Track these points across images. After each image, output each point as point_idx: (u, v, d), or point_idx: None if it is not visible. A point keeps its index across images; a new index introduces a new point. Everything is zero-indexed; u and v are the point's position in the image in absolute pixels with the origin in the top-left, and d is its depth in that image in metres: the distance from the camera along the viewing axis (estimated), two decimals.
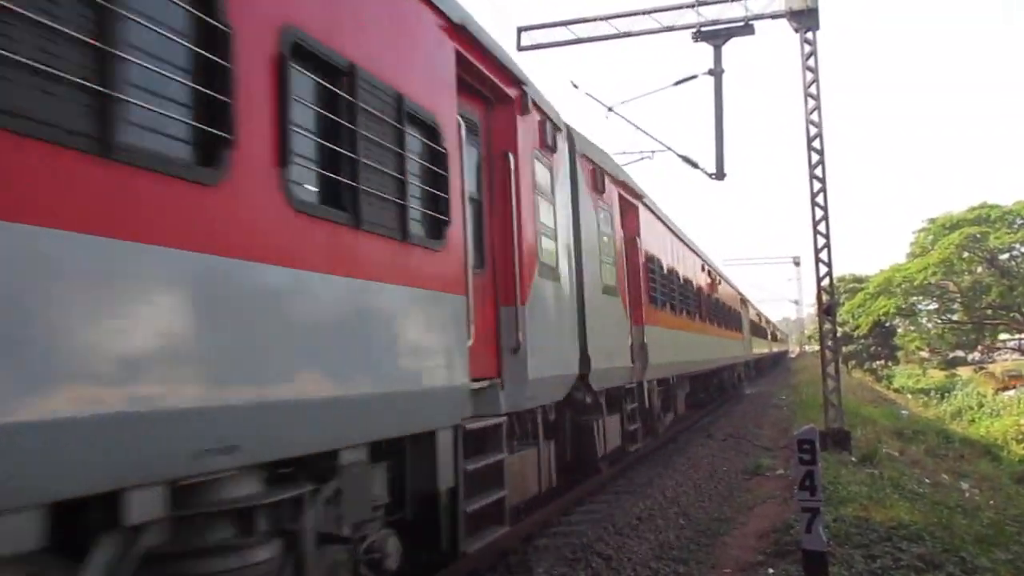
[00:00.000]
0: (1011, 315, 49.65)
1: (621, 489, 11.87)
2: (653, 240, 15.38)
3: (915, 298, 52.42)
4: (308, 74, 4.46)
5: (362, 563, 4.94)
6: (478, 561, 7.27)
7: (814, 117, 16.00)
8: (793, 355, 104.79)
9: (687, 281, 19.26)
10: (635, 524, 9.45)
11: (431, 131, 5.81)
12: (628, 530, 9.14)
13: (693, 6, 17.16)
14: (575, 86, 19.45)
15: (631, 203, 13.82)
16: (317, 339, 4.30)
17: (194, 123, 3.61)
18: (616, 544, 8.52)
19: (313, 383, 4.24)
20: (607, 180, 11.70)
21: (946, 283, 50.49)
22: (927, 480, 14.95)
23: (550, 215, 8.59)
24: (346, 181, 4.66)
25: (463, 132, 6.38)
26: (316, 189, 4.57)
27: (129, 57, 3.25)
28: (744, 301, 38.06)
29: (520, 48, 18.28)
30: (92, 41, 3.07)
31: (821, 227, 16.09)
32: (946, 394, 46.43)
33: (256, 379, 3.81)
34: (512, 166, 7.46)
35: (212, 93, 3.65)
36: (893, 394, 49.20)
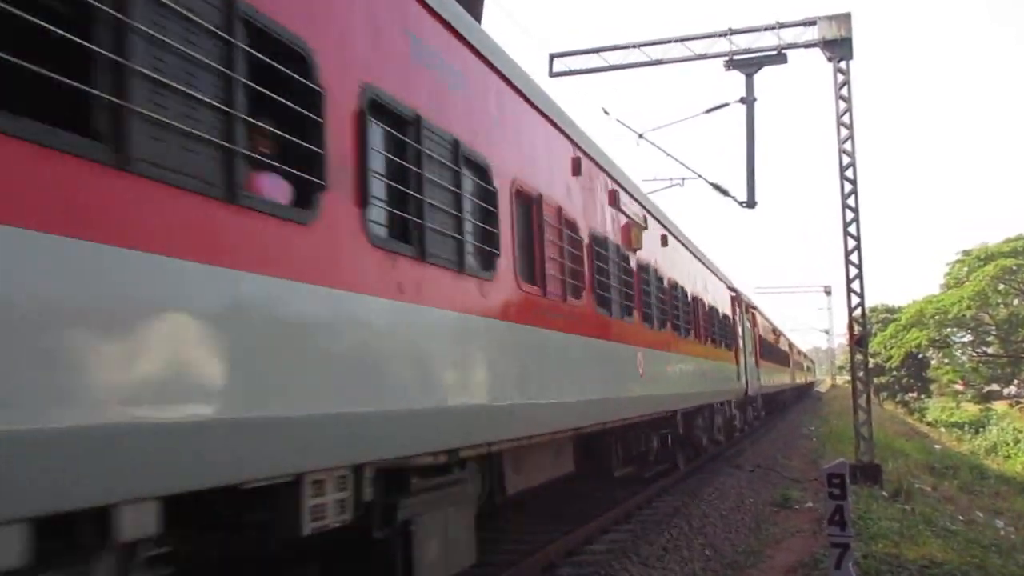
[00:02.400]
0: None
1: (647, 518, 11.74)
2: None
3: (949, 330, 51.60)
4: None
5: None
6: None
7: (847, 146, 15.92)
8: (822, 389, 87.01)
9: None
10: (660, 555, 9.32)
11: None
12: (653, 560, 9.02)
13: (726, 34, 17.18)
14: (606, 112, 19.50)
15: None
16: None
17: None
18: (640, 575, 8.41)
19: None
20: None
21: (981, 315, 49.67)
22: (960, 517, 14.64)
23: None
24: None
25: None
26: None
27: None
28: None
29: (552, 74, 18.37)
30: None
31: (853, 257, 15.95)
32: (980, 429, 45.54)
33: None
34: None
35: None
36: (926, 427, 48.34)
